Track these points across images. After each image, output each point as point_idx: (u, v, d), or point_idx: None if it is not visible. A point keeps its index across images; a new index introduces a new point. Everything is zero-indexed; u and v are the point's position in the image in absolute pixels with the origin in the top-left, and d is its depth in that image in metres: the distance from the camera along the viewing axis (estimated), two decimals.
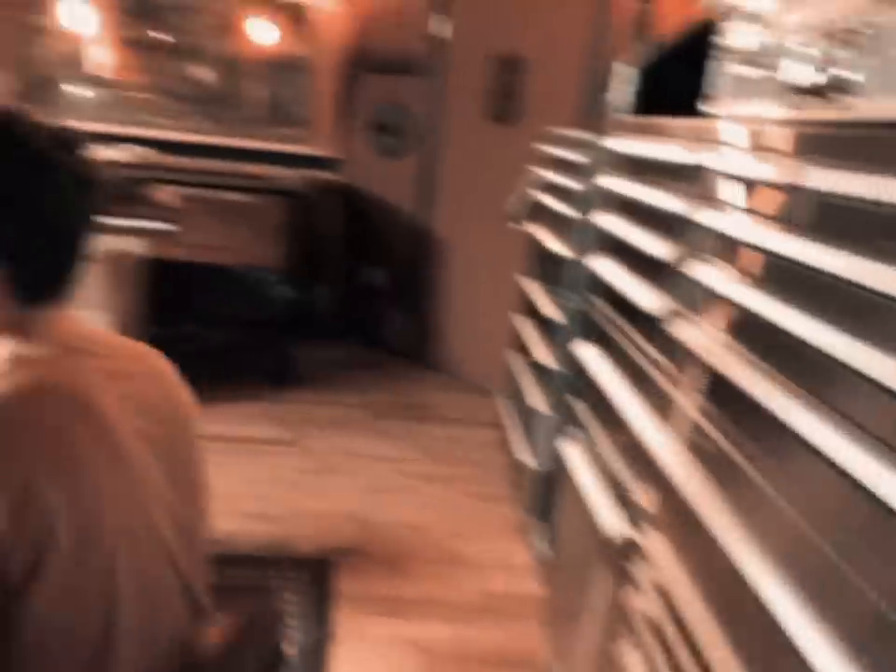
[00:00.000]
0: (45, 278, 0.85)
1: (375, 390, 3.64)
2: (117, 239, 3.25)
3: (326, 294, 4.10)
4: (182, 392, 1.01)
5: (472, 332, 3.76)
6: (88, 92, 4.15)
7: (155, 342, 3.33)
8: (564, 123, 2.85)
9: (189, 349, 3.88)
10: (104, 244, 3.21)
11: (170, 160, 3.72)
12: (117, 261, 3.16)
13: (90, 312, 2.98)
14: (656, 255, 1.34)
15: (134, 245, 3.25)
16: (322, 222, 3.88)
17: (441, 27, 3.60)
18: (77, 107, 4.11)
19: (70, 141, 0.84)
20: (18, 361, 0.81)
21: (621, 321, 1.65)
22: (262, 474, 2.75)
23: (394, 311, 4.13)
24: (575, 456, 1.86)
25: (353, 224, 4.16)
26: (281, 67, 4.17)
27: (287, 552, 2.31)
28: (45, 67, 4.11)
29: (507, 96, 3.41)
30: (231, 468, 2.76)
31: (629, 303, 1.50)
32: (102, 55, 4.09)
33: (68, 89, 4.14)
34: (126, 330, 3.13)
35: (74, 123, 3.10)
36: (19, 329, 0.83)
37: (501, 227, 3.36)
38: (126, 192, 3.35)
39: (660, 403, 1.28)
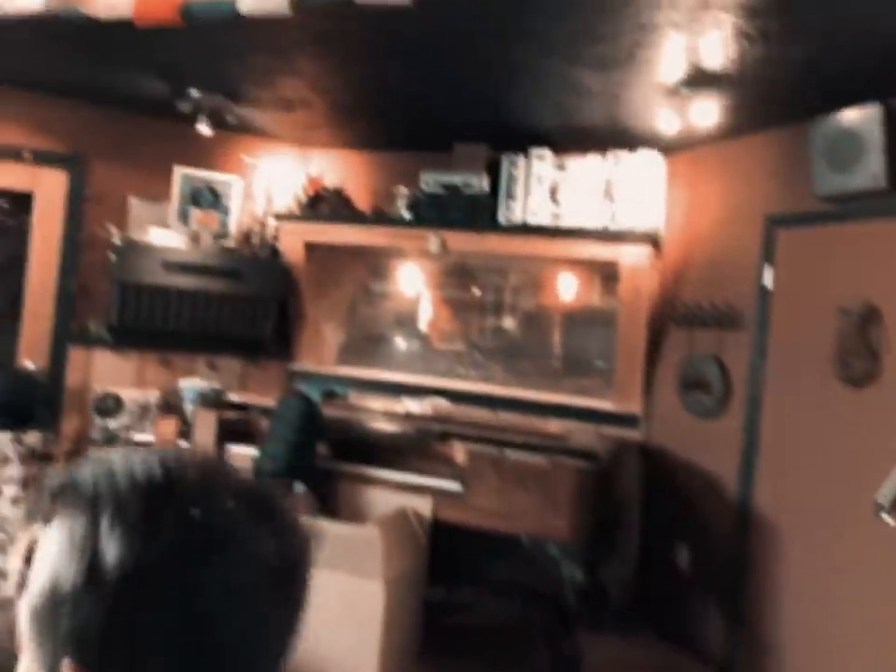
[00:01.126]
0: None
1: None
2: (401, 496, 3.12)
3: (618, 574, 3.49)
4: None
5: (827, 658, 2.79)
6: (406, 345, 4.44)
7: (427, 607, 2.96)
8: None
9: (461, 621, 3.55)
10: (388, 500, 3.11)
11: (465, 412, 3.67)
12: (399, 521, 2.99)
13: (363, 579, 2.80)
14: None
15: (420, 504, 3.09)
16: (619, 489, 3.41)
17: (766, 275, 3.18)
18: (393, 359, 4.39)
19: (270, 511, 0.54)
20: None
21: None
22: None
23: (702, 602, 3.34)
24: None
25: (654, 492, 3.61)
26: (583, 320, 4.07)
27: None
28: (372, 324, 4.54)
29: (856, 352, 2.78)
30: None
31: None
32: (423, 312, 4.40)
33: (389, 342, 4.48)
34: (399, 594, 2.85)
35: (388, 374, 3.13)
36: None
37: (860, 516, 2.56)
38: (417, 447, 3.28)
39: None
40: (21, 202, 3.93)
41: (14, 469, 2.95)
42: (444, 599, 3.54)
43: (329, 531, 2.74)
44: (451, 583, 3.60)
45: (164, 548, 0.48)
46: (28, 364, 3.89)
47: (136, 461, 0.52)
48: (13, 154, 3.79)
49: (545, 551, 2.96)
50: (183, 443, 3.91)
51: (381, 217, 4.06)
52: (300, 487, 3.21)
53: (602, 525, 3.19)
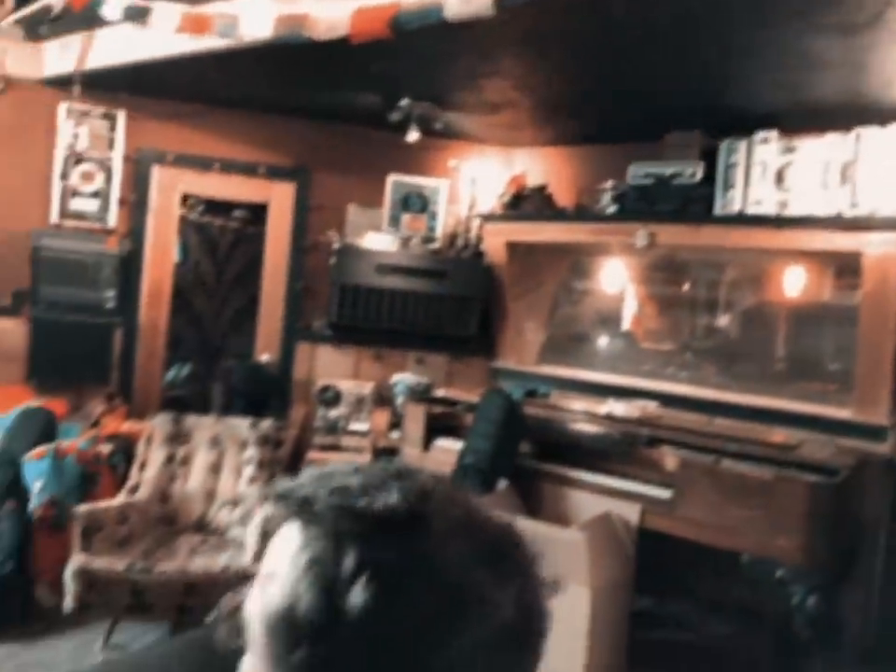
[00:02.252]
0: None
1: None
2: (606, 500, 3.02)
3: (859, 606, 3.08)
4: None
5: None
6: (609, 344, 4.30)
7: (634, 617, 2.82)
8: None
9: (670, 635, 3.35)
10: (592, 504, 3.02)
11: (675, 417, 3.45)
12: (605, 527, 2.89)
13: (569, 584, 2.74)
14: None
15: (626, 510, 2.96)
16: (860, 510, 3.00)
17: None
18: (596, 359, 4.27)
19: (513, 563, 0.52)
20: None
21: None
22: None
23: None
24: None
25: None
26: (813, 317, 3.65)
27: None
28: (574, 323, 4.45)
29: None
30: None
31: None
32: (627, 310, 4.23)
33: (592, 342, 4.37)
34: (605, 602, 2.75)
35: (591, 375, 3.03)
36: None
37: None
38: (623, 451, 3.15)
39: None
40: (259, 212, 4.39)
41: (251, 452, 3.29)
42: (652, 611, 3.37)
43: (533, 532, 2.71)
44: (659, 595, 3.42)
45: (407, 601, 0.47)
46: (264, 357, 4.34)
47: (377, 491, 0.50)
48: (251, 169, 4.24)
49: (770, 571, 2.69)
50: (394, 434, 4.13)
51: (584, 212, 3.95)
52: (502, 484, 3.23)
53: (835, 550, 2.83)
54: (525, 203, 4.13)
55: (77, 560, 2.64)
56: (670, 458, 3.01)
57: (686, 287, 4.11)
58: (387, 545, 0.47)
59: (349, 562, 0.47)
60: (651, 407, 3.45)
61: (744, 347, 3.87)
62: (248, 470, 3.25)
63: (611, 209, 3.79)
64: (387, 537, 0.48)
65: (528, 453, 3.34)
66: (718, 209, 3.46)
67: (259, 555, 2.75)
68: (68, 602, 2.61)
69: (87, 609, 2.63)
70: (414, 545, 0.48)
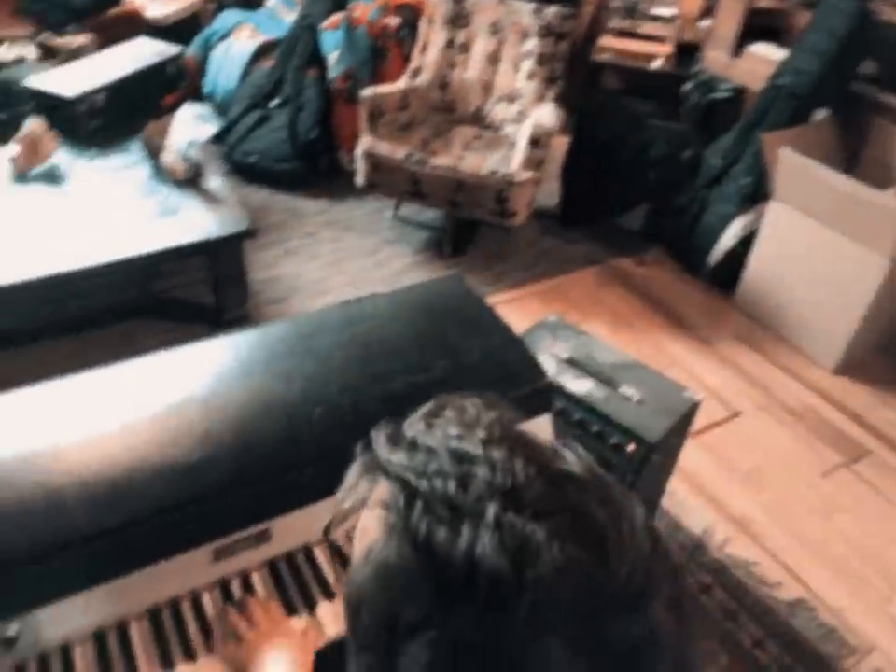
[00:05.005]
0: None
1: None
2: None
3: None
4: None
5: None
6: None
7: None
8: None
9: None
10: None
11: None
12: None
13: (867, 250, 2.33)
14: None
15: None
16: None
17: None
18: None
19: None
20: None
21: None
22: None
23: None
24: None
25: None
26: None
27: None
28: None
29: None
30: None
31: None
32: None
33: None
34: None
35: None
36: None
37: None
38: None
39: None
40: None
41: (532, 44, 3.00)
42: None
43: (844, 190, 2.27)
44: None
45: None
46: None
47: (477, 519, 0.36)
48: None
49: None
50: (704, 23, 3.45)
51: None
52: (821, 114, 2.65)
53: None
54: None
55: (364, 142, 2.82)
56: None
57: None
58: (465, 609, 0.35)
59: (415, 608, 0.36)
60: None
61: None
62: (527, 64, 3.00)
63: None
64: (473, 596, 0.35)
65: (869, 76, 2.62)
66: None
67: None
68: (359, 179, 2.90)
69: (375, 187, 2.91)
70: (501, 623, 0.34)
